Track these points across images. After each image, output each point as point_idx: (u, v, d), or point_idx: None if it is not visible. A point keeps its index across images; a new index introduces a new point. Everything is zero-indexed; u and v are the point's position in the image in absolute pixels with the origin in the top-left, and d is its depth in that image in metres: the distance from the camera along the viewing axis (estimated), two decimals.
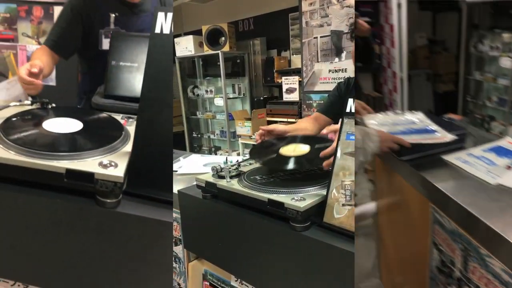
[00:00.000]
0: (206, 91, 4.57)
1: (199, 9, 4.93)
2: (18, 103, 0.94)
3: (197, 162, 1.67)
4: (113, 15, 1.21)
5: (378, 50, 2.56)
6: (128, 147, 0.77)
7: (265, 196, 0.87)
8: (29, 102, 0.95)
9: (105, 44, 1.20)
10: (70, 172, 0.65)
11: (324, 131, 1.08)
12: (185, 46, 4.42)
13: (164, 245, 0.70)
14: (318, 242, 0.78)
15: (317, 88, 3.22)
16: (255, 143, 1.21)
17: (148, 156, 0.69)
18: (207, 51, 4.26)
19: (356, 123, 1.16)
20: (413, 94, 2.69)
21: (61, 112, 0.88)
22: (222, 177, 1.02)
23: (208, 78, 4.73)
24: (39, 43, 2.02)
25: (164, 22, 0.68)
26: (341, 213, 0.81)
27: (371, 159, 0.92)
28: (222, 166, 1.03)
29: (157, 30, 0.68)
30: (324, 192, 0.87)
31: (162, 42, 0.69)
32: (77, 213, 0.67)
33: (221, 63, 4.18)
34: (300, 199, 0.83)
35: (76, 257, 0.70)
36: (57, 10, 2.01)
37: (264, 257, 0.91)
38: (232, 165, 1.05)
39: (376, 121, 1.13)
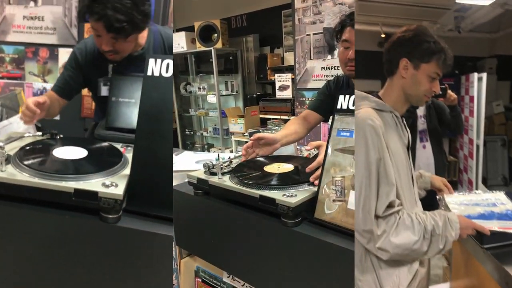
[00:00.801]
0: (199, 88, 4.55)
1: (191, 5, 4.90)
2: (31, 134, 1.08)
3: (189, 159, 1.67)
4: (111, 65, 1.35)
5: None
6: (127, 171, 0.88)
7: (257, 192, 0.87)
8: (40, 134, 1.09)
9: (104, 91, 1.36)
10: (77, 191, 0.76)
11: (308, 147, 1.09)
12: (178, 43, 4.39)
13: (162, 255, 0.77)
14: (309, 237, 0.78)
15: (310, 85, 3.22)
16: (247, 140, 1.21)
17: (144, 178, 0.81)
18: (200, 47, 4.24)
19: (437, 204, 1.10)
20: (488, 160, 2.74)
21: (68, 141, 1.02)
22: (214, 174, 1.02)
23: (200, 75, 4.71)
24: (45, 81, 2.30)
25: (154, 66, 0.82)
26: (331, 209, 0.81)
27: (450, 247, 0.88)
28: (214, 162, 1.03)
29: (149, 73, 0.82)
30: (315, 188, 0.87)
31: (153, 83, 0.82)
32: (83, 227, 0.77)
33: (213, 60, 4.16)
34: (291, 195, 0.83)
35: (81, 267, 0.78)
36: (62, 52, 2.28)
37: (255, 253, 0.91)
38: (224, 162, 1.05)
39: (455, 201, 1.07)
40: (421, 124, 1.93)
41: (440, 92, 1.74)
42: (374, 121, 0.84)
